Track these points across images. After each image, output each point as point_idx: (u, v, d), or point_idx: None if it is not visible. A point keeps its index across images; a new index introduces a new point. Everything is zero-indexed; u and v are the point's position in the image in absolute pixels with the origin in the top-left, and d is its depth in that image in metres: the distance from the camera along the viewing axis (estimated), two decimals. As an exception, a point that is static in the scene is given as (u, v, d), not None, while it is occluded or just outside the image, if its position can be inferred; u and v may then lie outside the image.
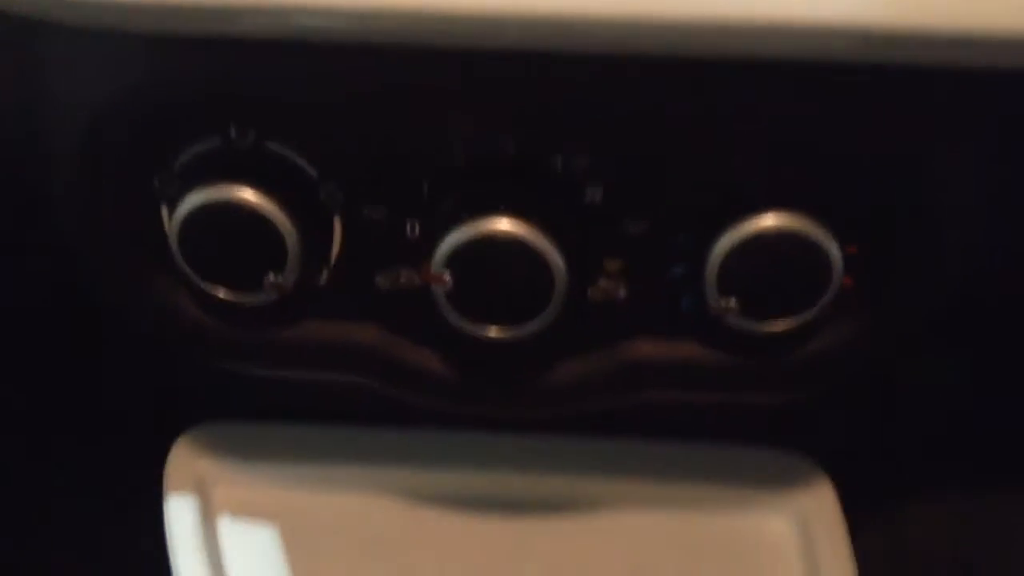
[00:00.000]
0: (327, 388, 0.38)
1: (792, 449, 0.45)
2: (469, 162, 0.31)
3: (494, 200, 0.31)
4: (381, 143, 0.31)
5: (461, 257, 0.31)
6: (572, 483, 0.46)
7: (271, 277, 0.32)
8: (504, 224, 0.31)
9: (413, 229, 0.32)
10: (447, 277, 0.31)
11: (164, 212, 0.33)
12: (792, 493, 0.45)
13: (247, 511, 0.47)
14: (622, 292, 0.34)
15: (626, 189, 0.32)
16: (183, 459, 0.48)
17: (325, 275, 0.34)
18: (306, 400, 0.41)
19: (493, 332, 0.32)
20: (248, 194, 0.31)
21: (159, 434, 0.48)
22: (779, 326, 0.33)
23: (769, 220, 0.31)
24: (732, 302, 0.33)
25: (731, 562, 0.44)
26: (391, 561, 0.45)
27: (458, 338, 0.33)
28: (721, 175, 0.32)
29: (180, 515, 0.46)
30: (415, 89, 0.29)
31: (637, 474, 0.45)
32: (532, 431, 0.45)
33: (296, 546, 0.45)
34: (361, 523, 0.46)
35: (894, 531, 0.51)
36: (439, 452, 0.47)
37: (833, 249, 0.31)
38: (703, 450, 0.46)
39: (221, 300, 0.33)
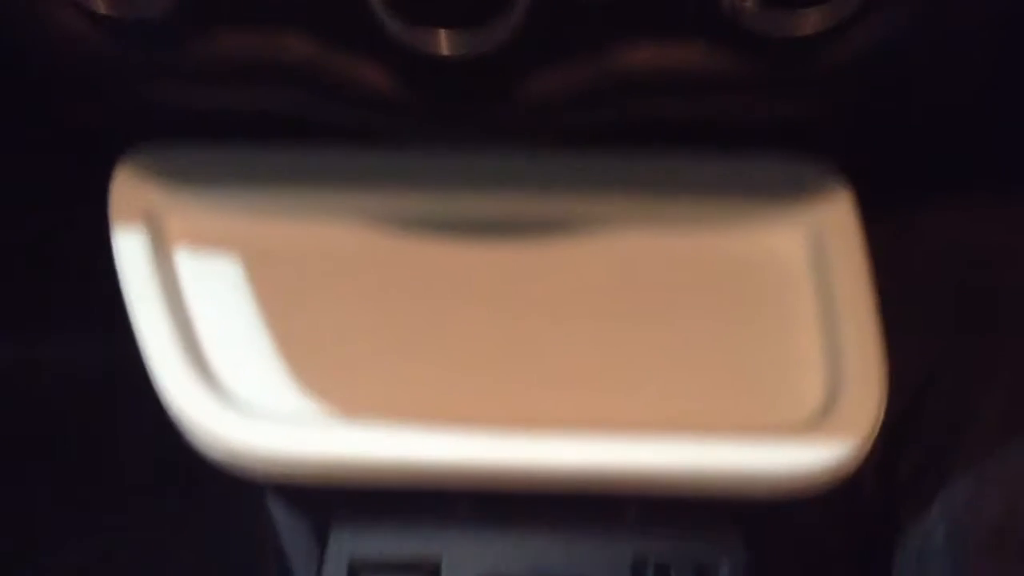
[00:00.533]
0: (262, 114, 0.33)
1: (806, 154, 0.41)
2: None
3: None
4: None
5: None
6: (565, 201, 0.42)
7: None
8: None
9: None
10: None
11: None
12: (805, 203, 0.41)
13: (202, 240, 0.43)
14: None
15: None
16: (127, 186, 0.44)
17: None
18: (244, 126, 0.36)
19: (443, 42, 0.26)
20: None
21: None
22: (805, 24, 0.27)
23: None
24: None
25: (738, 279, 0.41)
26: (357, 289, 0.42)
27: (405, 48, 0.27)
28: None
29: (129, 248, 0.43)
30: None
31: (636, 188, 0.41)
32: (515, 148, 0.40)
33: (256, 276, 0.42)
34: (328, 250, 0.42)
35: (911, 234, 0.48)
36: (409, 172, 0.43)
37: None
38: (710, 160, 0.42)
39: (109, 16, 0.26)
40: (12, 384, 0.50)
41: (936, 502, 0.40)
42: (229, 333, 0.40)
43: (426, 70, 0.29)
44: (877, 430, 0.36)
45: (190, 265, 0.43)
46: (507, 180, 0.42)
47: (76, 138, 0.46)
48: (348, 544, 0.39)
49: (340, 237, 0.42)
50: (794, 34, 0.28)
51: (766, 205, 0.41)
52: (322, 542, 0.39)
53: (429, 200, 0.43)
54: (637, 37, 0.30)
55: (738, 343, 0.39)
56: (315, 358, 0.40)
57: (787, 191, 0.41)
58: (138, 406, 0.40)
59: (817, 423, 0.37)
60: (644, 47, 0.31)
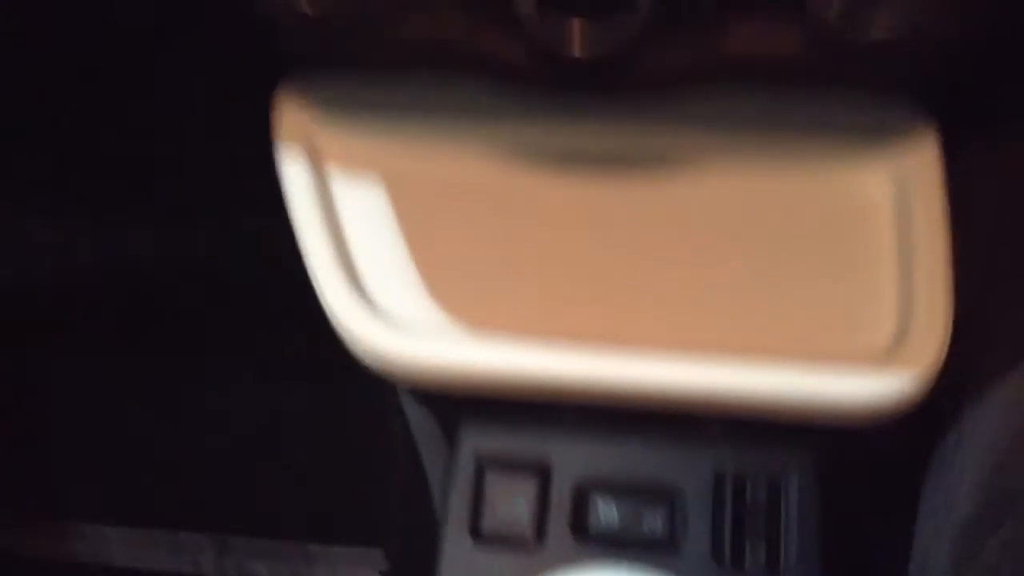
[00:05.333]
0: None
1: (894, 94, 0.44)
2: None
3: None
4: None
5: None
6: (668, 139, 0.46)
7: None
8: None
9: None
10: None
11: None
12: (891, 146, 0.44)
13: (355, 163, 0.49)
14: None
15: None
16: (291, 109, 0.49)
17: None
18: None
19: (578, 33, 0.31)
20: None
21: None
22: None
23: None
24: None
25: (824, 217, 0.45)
26: (489, 215, 0.48)
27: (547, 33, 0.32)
28: None
29: (293, 169, 0.49)
30: None
31: (734, 128, 0.45)
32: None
33: (401, 198, 0.48)
34: (463, 177, 0.48)
35: (999, 179, 0.50)
36: (538, 109, 0.48)
37: None
38: (806, 100, 0.45)
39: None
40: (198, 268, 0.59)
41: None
42: (377, 250, 0.47)
43: (561, 56, 0.34)
44: (941, 366, 0.39)
45: (344, 185, 0.49)
46: (620, 119, 0.46)
47: (240, 63, 0.52)
48: (475, 440, 0.46)
49: (474, 166, 0.48)
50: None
51: (855, 146, 0.45)
52: (451, 438, 0.46)
53: (552, 135, 0.48)
54: (742, 24, 0.34)
55: (820, 276, 0.43)
56: (450, 277, 0.46)
57: (875, 133, 0.45)
58: (296, 303, 0.47)
59: (887, 356, 0.41)
60: (747, 34, 0.35)
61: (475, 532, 0.43)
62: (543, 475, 0.43)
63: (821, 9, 0.30)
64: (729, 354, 0.41)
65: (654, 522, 0.43)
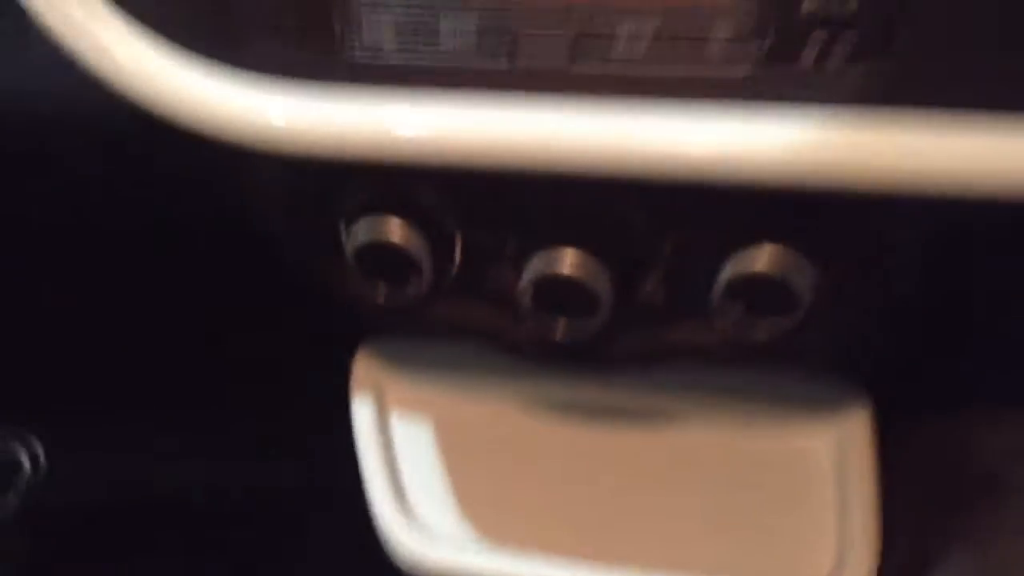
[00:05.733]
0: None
1: (835, 374, 0.58)
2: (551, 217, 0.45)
3: (563, 238, 0.45)
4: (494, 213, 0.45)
5: (538, 279, 0.45)
6: (650, 401, 0.61)
7: (412, 281, 0.47)
8: (568, 256, 0.45)
9: (510, 257, 0.47)
10: (530, 290, 0.45)
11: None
12: (832, 417, 0.58)
13: (414, 411, 0.65)
14: (662, 297, 0.48)
15: (663, 231, 0.45)
16: (365, 366, 0.66)
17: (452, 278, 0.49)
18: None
19: (561, 326, 0.46)
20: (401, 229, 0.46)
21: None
22: (772, 327, 0.46)
23: (757, 254, 0.43)
24: (737, 307, 0.45)
25: (774, 473, 0.58)
26: (513, 456, 0.62)
27: (541, 326, 0.47)
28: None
29: (362, 410, 0.65)
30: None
31: (701, 396, 0.60)
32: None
33: (447, 441, 0.63)
34: (497, 424, 0.63)
35: (927, 446, 0.63)
36: (554, 373, 0.63)
37: (801, 276, 0.43)
38: (761, 374, 0.59)
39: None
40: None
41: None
42: (423, 479, 0.61)
43: (549, 338, 0.49)
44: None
45: (401, 424, 0.64)
46: (617, 381, 0.61)
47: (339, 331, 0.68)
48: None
49: (502, 413, 0.62)
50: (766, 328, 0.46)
51: (801, 413, 0.58)
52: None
53: (563, 392, 0.63)
54: (680, 322, 0.49)
55: (772, 515, 0.55)
56: (477, 500, 0.59)
57: (817, 402, 0.58)
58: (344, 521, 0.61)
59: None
60: (685, 329, 0.50)
61: None
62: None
63: (723, 327, 0.45)
64: (696, 573, 0.52)
65: None
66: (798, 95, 0.34)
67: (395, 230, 0.45)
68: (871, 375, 0.58)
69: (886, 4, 0.32)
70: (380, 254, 0.46)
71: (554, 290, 0.44)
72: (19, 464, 0.80)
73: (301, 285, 0.55)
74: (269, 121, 0.37)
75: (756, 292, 0.44)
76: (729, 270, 0.43)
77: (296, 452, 0.83)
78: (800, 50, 0.34)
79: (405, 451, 0.65)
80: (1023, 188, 0.33)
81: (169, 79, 0.38)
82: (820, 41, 0.33)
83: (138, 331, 0.69)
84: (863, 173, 0.34)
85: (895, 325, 0.51)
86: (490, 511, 0.59)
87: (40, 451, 0.82)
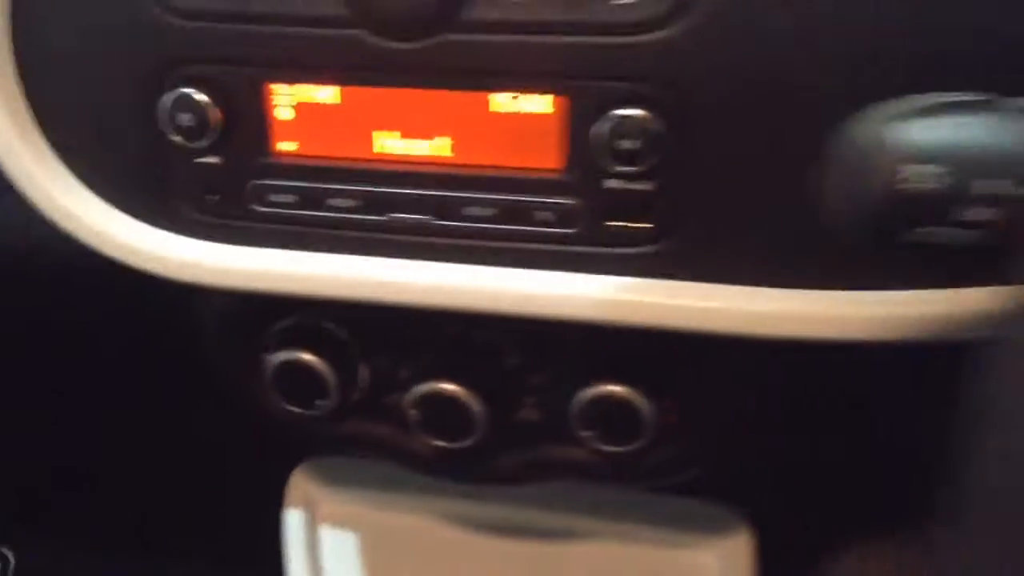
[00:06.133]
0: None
1: (721, 501, 0.65)
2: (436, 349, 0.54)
3: (442, 367, 0.53)
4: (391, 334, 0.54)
5: (423, 400, 0.53)
6: (559, 519, 0.68)
7: (321, 400, 0.56)
8: (447, 384, 0.53)
9: (400, 382, 0.55)
10: (414, 411, 0.54)
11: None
12: (715, 538, 0.65)
13: (343, 525, 0.72)
14: (536, 417, 0.56)
15: (532, 364, 0.54)
16: (300, 484, 0.73)
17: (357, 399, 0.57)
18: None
19: (442, 442, 0.54)
20: (309, 355, 0.55)
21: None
22: (621, 448, 0.54)
23: (603, 386, 0.52)
24: (590, 433, 0.53)
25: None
26: (431, 565, 0.69)
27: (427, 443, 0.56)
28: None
29: (292, 523, 0.72)
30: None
31: (602, 515, 0.67)
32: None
33: (373, 553, 0.70)
34: (419, 540, 0.70)
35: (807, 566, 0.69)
36: (476, 494, 0.71)
37: (646, 405, 0.51)
38: (657, 501, 0.67)
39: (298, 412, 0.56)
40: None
41: None
42: None
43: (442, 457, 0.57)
44: None
45: (330, 540, 0.71)
46: (524, 503, 0.68)
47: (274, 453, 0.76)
48: None
49: (425, 530, 0.70)
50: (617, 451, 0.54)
51: (687, 530, 0.65)
52: None
53: (479, 510, 0.70)
54: (551, 442, 0.57)
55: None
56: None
57: (704, 521, 0.65)
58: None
59: None
60: (556, 447, 0.58)
61: None
62: None
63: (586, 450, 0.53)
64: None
65: None
66: (606, 254, 0.44)
67: (305, 358, 0.54)
68: (748, 497, 0.65)
69: (677, 194, 0.42)
70: (292, 377, 0.54)
71: (435, 410, 0.53)
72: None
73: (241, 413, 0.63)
74: (199, 263, 0.47)
75: (604, 418, 0.52)
76: (580, 399, 0.52)
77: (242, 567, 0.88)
78: (609, 218, 0.43)
79: (331, 562, 0.72)
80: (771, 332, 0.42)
81: (120, 231, 0.48)
82: (623, 213, 0.43)
83: (90, 448, 0.77)
84: (651, 314, 0.43)
85: (747, 450, 0.59)
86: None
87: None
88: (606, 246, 0.44)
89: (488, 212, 0.44)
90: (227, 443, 0.79)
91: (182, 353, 0.64)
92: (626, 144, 0.41)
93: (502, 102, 0.42)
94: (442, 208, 0.44)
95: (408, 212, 0.45)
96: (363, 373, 0.56)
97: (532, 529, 0.69)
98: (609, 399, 0.52)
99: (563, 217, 0.44)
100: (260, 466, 0.78)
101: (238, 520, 0.82)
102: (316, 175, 0.45)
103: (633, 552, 0.67)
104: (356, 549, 0.73)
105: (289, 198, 0.45)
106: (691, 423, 0.54)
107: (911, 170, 0.24)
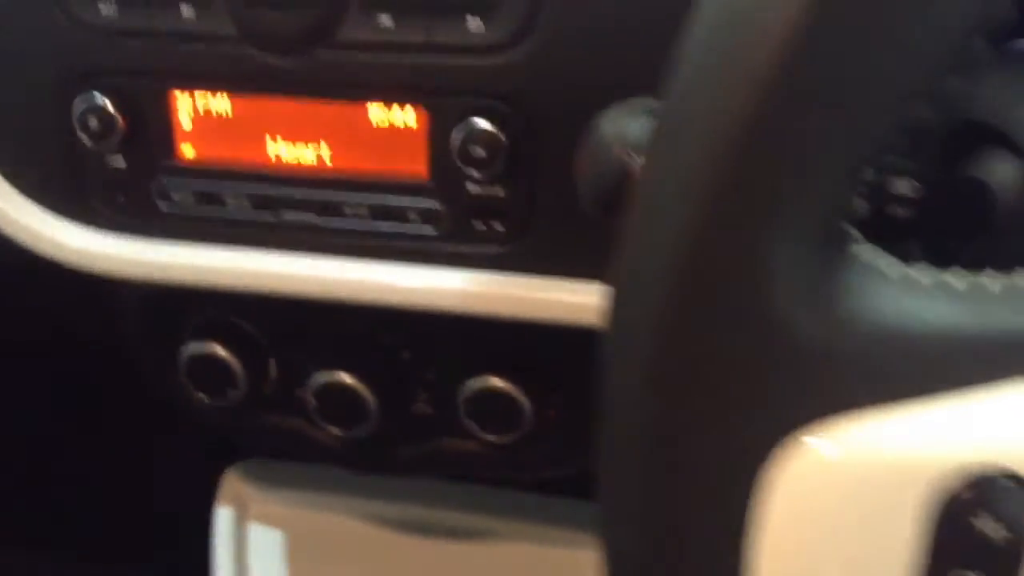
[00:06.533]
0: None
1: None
2: (334, 343, 0.59)
3: (343, 362, 0.58)
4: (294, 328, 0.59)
5: (321, 391, 0.58)
6: (480, 521, 0.73)
7: (231, 390, 0.60)
8: (343, 375, 0.58)
9: (302, 372, 0.60)
10: (313, 400, 0.58)
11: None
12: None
13: (272, 524, 0.76)
14: (429, 410, 0.61)
15: (422, 358, 0.59)
16: (230, 483, 0.78)
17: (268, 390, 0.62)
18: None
19: (339, 431, 0.59)
20: (221, 349, 0.60)
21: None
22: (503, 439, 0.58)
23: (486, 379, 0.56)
24: (475, 425, 0.58)
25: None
26: (355, 563, 0.74)
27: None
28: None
29: (222, 520, 0.76)
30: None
31: (522, 517, 0.71)
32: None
33: (297, 548, 0.75)
34: (343, 537, 0.75)
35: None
36: (392, 489, 0.75)
37: (524, 398, 0.56)
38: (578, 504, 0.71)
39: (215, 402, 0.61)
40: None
41: None
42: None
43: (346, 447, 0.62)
44: None
45: (258, 538, 0.76)
46: (445, 502, 0.73)
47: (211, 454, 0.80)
48: None
49: (351, 529, 0.74)
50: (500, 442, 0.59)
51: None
52: None
53: (403, 511, 0.74)
54: (443, 435, 0.62)
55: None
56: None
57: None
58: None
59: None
60: (447, 440, 0.62)
61: None
62: None
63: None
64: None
65: None
66: (468, 251, 0.49)
67: (215, 350, 0.59)
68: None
69: (525, 198, 0.47)
70: (204, 368, 0.59)
71: (332, 400, 0.57)
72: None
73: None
74: (112, 256, 0.52)
75: (487, 410, 0.57)
76: (465, 392, 0.56)
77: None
78: (469, 219, 0.48)
79: (257, 561, 0.76)
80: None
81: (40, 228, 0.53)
82: (481, 215, 0.48)
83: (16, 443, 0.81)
84: (507, 306, 0.48)
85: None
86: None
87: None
88: (467, 244, 0.49)
89: (364, 212, 0.49)
90: (157, 447, 0.83)
91: (103, 352, 0.69)
92: (478, 152, 0.46)
93: (374, 113, 0.48)
94: (325, 208, 0.50)
95: (296, 210, 0.50)
96: (272, 366, 0.61)
97: (453, 530, 0.74)
98: (491, 392, 0.56)
99: (429, 218, 0.49)
100: (192, 469, 0.83)
101: (168, 523, 0.86)
102: (213, 176, 0.50)
103: (550, 553, 0.71)
104: (283, 548, 0.78)
105: (189, 197, 0.50)
106: (571, 417, 0.59)
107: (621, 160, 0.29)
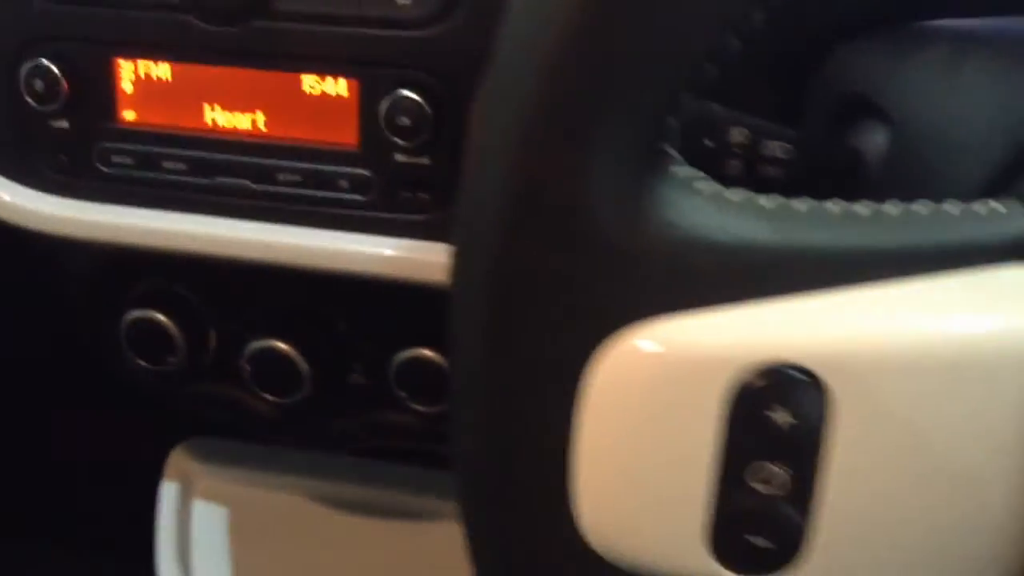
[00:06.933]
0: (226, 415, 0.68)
1: None
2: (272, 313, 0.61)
3: (279, 330, 0.60)
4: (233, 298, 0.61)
5: (256, 357, 0.60)
6: (423, 502, 0.74)
7: (171, 357, 0.62)
8: (278, 343, 0.60)
9: (240, 341, 0.62)
10: (248, 366, 0.60)
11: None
12: None
13: (214, 498, 0.78)
14: (363, 381, 0.63)
15: (357, 329, 0.61)
16: (177, 460, 0.79)
17: (207, 359, 0.64)
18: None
19: (273, 397, 0.61)
20: (162, 316, 0.61)
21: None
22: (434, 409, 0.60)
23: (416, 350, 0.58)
24: (405, 394, 0.60)
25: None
26: (296, 540, 0.75)
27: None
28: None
29: (167, 496, 0.78)
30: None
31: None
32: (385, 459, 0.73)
33: (240, 525, 0.76)
34: (285, 515, 0.76)
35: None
36: (333, 469, 0.77)
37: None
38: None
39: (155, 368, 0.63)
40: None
41: None
42: (212, 556, 0.73)
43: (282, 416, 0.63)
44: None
45: (202, 513, 0.77)
46: (378, 480, 0.75)
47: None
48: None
49: (294, 506, 0.76)
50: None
51: None
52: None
53: (344, 491, 0.76)
54: (376, 406, 0.64)
55: None
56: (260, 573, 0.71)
57: None
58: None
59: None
60: (379, 410, 0.64)
61: None
62: None
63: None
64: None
65: None
66: (396, 219, 0.51)
67: (156, 317, 0.60)
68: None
69: (448, 168, 0.49)
70: (145, 335, 0.61)
71: (266, 367, 0.59)
72: None
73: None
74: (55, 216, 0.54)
75: (417, 380, 0.59)
76: (396, 362, 0.58)
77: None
78: (397, 188, 0.50)
79: (201, 534, 0.78)
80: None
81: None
82: (407, 184, 0.50)
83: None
84: (430, 273, 0.50)
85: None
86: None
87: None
88: (395, 212, 0.51)
89: (297, 179, 0.51)
90: (106, 426, 0.85)
91: (49, 325, 0.70)
92: (404, 122, 0.48)
93: (308, 83, 0.50)
94: (259, 174, 0.52)
95: (231, 176, 0.52)
96: (211, 336, 0.62)
97: (396, 509, 0.75)
98: (421, 363, 0.58)
99: (359, 186, 0.51)
100: (140, 448, 0.84)
101: (112, 503, 0.88)
102: (153, 140, 0.52)
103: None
104: (226, 524, 0.79)
105: (128, 160, 0.52)
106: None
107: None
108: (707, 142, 0.36)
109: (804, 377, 0.22)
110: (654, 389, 0.23)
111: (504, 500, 0.25)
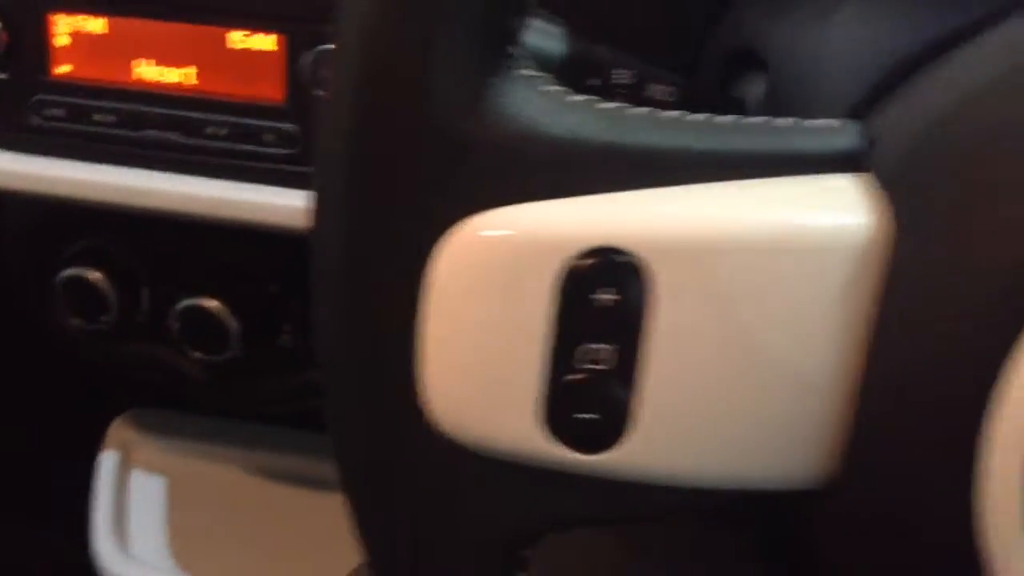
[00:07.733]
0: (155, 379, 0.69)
1: None
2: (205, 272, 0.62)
3: (209, 288, 0.61)
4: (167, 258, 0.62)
5: (185, 315, 0.61)
6: (332, 467, 0.76)
7: (104, 316, 0.63)
8: (208, 301, 0.61)
9: (172, 301, 0.63)
10: (177, 323, 0.61)
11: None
12: None
13: (151, 468, 0.78)
14: (293, 344, 0.64)
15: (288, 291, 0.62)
16: (117, 431, 0.80)
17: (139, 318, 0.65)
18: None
19: (200, 354, 0.62)
20: (96, 274, 0.62)
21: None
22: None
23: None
24: None
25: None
26: (234, 509, 0.76)
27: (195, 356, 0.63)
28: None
29: (105, 465, 0.78)
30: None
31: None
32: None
33: (178, 493, 0.77)
34: (221, 486, 0.77)
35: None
36: (273, 440, 0.78)
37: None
38: None
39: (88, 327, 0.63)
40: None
41: None
42: (148, 524, 0.74)
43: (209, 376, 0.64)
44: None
45: (139, 483, 0.78)
46: (313, 453, 0.76)
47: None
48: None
49: (231, 478, 0.76)
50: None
51: None
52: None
53: (272, 458, 0.77)
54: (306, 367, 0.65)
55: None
56: (191, 545, 0.72)
57: None
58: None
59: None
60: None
61: None
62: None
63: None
64: None
65: None
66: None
67: (89, 275, 0.61)
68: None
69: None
70: (78, 293, 0.62)
71: (195, 324, 0.60)
72: None
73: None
74: None
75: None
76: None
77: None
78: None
79: (137, 504, 0.78)
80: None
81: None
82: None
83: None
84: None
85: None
86: (198, 553, 0.72)
87: None
88: (320, 167, 0.52)
89: (225, 133, 0.53)
90: (46, 399, 0.85)
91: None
92: (328, 76, 0.49)
93: (236, 38, 0.51)
94: (187, 127, 0.53)
95: (160, 129, 0.53)
96: (144, 295, 0.64)
97: (332, 480, 0.76)
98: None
99: (285, 140, 0.52)
100: (80, 419, 0.84)
101: (51, 478, 0.88)
102: (84, 93, 0.53)
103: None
104: (163, 494, 0.80)
105: (61, 112, 0.53)
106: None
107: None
108: (592, 81, 0.38)
109: (627, 259, 0.24)
110: (491, 274, 0.24)
111: (361, 395, 0.26)
